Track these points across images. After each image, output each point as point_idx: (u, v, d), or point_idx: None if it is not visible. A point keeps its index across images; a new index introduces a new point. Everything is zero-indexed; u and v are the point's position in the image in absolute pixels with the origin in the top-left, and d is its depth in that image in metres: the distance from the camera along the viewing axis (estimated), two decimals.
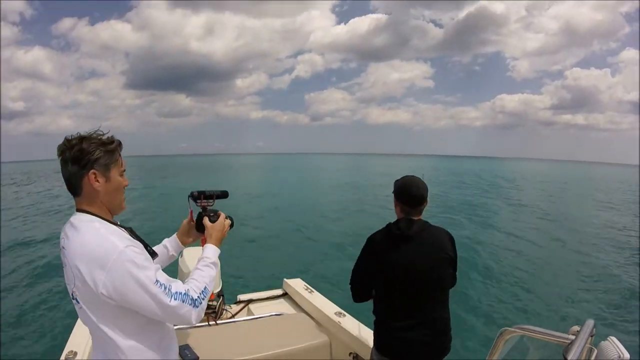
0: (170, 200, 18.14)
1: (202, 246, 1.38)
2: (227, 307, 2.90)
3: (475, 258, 9.35)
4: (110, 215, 1.20)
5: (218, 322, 2.55)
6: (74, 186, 1.14)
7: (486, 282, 7.93)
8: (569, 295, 7.48)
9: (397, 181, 1.80)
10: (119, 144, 1.19)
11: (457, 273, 1.78)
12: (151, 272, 1.06)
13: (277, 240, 11.19)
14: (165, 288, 1.06)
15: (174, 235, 1.54)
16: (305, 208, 17.50)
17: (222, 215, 1.44)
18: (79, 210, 1.15)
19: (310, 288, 2.95)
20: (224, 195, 1.52)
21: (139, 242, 1.15)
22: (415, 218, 1.71)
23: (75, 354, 1.98)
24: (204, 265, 1.27)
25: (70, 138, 1.12)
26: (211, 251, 1.33)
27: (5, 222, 13.69)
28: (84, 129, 1.22)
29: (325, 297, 2.79)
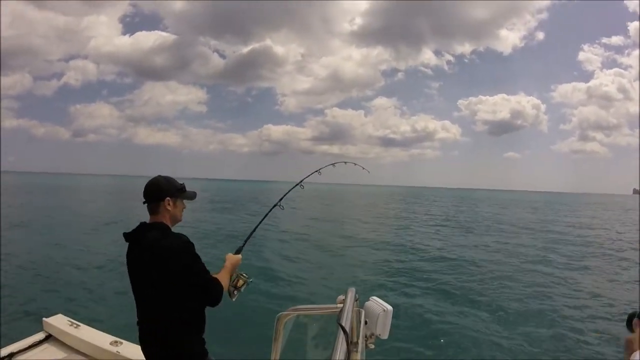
0: None
1: None
2: None
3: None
4: None
5: None
6: None
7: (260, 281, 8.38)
8: (335, 277, 8.98)
9: None
10: None
11: (202, 282, 1.51)
12: None
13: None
14: None
15: None
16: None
17: None
18: None
19: (76, 323, 2.55)
20: None
21: None
22: (156, 221, 1.60)
23: None
24: None
25: None
26: None
27: None
28: None
29: (96, 328, 2.50)
